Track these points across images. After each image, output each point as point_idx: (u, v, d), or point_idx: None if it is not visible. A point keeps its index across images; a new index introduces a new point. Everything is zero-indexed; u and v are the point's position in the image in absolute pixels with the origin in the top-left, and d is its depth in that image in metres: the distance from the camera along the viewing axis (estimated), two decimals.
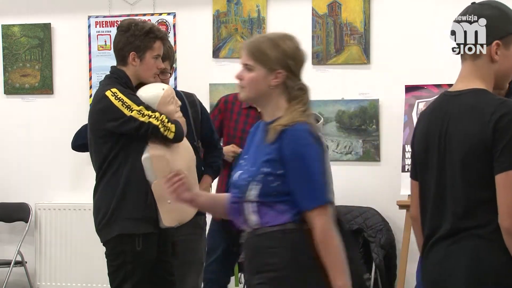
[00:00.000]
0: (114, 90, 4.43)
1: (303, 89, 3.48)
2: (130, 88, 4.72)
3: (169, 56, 5.07)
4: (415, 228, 3.41)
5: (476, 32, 3.23)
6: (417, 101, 6.84)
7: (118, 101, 4.47)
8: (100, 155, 4.57)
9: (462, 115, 3.16)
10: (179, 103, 4.69)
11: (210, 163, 5.37)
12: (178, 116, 4.61)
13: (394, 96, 7.05)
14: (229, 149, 5.67)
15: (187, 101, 5.28)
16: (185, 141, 4.72)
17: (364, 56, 7.21)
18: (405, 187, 6.11)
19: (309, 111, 3.48)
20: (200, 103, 5.46)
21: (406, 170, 6.59)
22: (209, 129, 5.41)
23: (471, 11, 3.23)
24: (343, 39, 7.26)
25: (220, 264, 5.77)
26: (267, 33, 4.59)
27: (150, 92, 4.53)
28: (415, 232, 3.43)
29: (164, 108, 4.42)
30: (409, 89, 6.86)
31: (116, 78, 4.75)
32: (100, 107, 4.71)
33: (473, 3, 3.26)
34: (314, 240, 3.38)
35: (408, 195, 6.05)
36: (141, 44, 4.68)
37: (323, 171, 3.40)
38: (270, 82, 3.44)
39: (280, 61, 3.45)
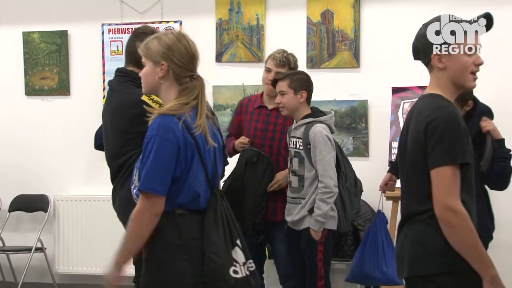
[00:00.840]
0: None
1: (193, 81, 3.48)
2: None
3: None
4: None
5: (419, 51, 3.37)
6: (402, 101, 6.85)
7: (156, 104, 4.33)
8: (123, 156, 4.45)
9: (415, 116, 3.30)
10: None
11: None
12: None
13: (382, 97, 7.04)
14: (239, 141, 5.57)
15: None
16: None
17: (354, 60, 7.22)
18: None
19: (193, 103, 3.43)
20: (212, 112, 5.35)
21: None
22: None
23: (416, 34, 3.40)
24: (335, 45, 7.26)
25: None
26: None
27: None
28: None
29: None
30: (395, 90, 6.87)
31: (132, 81, 4.64)
32: (138, 112, 4.37)
33: (424, 24, 3.38)
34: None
35: (397, 187, 6.19)
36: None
37: (159, 163, 3.32)
38: (158, 74, 3.46)
39: (161, 53, 3.47)
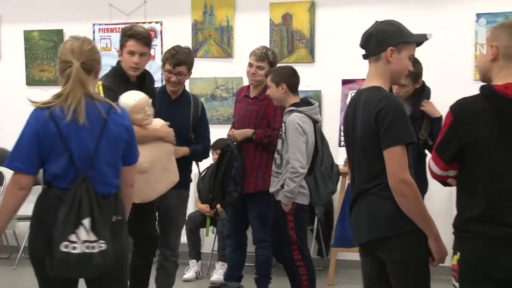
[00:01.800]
0: (100, 82, 4.18)
1: (67, 71, 3.29)
2: (124, 77, 4.64)
3: (185, 61, 4.97)
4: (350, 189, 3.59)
5: (375, 41, 3.36)
6: (350, 91, 6.84)
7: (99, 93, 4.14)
8: None
9: (362, 107, 3.32)
10: (149, 112, 4.43)
11: (193, 144, 5.16)
12: (146, 123, 4.40)
13: (333, 88, 7.13)
14: (228, 134, 5.65)
15: (193, 102, 5.20)
16: (159, 142, 4.54)
17: (310, 56, 7.29)
18: (340, 158, 6.14)
19: (66, 92, 3.27)
20: (202, 106, 5.31)
21: (341, 145, 6.67)
22: (203, 127, 5.25)
23: (374, 27, 3.40)
24: (294, 43, 7.32)
25: None
26: None
27: (124, 100, 4.25)
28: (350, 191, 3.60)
29: (132, 116, 4.03)
30: (345, 82, 6.98)
31: (115, 70, 4.71)
32: None
33: (376, 22, 3.43)
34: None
35: (343, 164, 6.13)
36: (120, 42, 4.67)
37: (20, 146, 3.27)
38: None
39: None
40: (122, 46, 4.64)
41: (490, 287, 3.02)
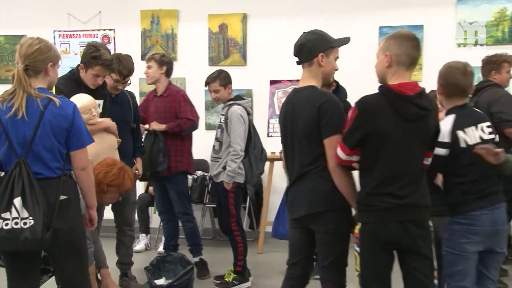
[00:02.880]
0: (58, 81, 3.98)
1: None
2: (78, 82, 4.62)
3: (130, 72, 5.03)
4: (287, 175, 3.59)
5: (307, 50, 3.43)
6: (276, 90, 7.04)
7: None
8: None
9: (302, 103, 3.38)
10: (95, 113, 4.39)
11: (138, 147, 5.29)
12: (92, 122, 4.30)
13: (262, 87, 7.22)
14: (146, 128, 5.65)
15: (129, 95, 5.25)
16: (104, 135, 4.47)
17: (243, 60, 7.36)
18: (269, 147, 6.17)
19: (9, 91, 3.27)
20: (135, 99, 5.41)
21: (269, 135, 6.80)
22: (137, 116, 5.34)
23: (303, 38, 3.47)
24: (229, 49, 7.38)
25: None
26: None
27: (73, 101, 3.99)
28: (288, 177, 3.59)
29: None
30: (272, 82, 7.10)
31: (72, 74, 4.68)
32: None
33: (304, 32, 3.50)
34: None
35: (271, 151, 6.38)
36: (88, 62, 4.58)
37: None
38: None
39: None
40: (88, 66, 4.59)
41: (382, 249, 3.17)
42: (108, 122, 4.58)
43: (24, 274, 3.43)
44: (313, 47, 3.40)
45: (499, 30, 6.68)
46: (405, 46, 3.22)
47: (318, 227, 3.36)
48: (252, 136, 5.43)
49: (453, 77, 3.48)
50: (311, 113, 3.31)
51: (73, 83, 4.62)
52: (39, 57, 3.30)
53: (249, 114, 5.45)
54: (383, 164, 3.18)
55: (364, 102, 3.21)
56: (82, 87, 4.61)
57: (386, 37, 3.34)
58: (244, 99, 5.49)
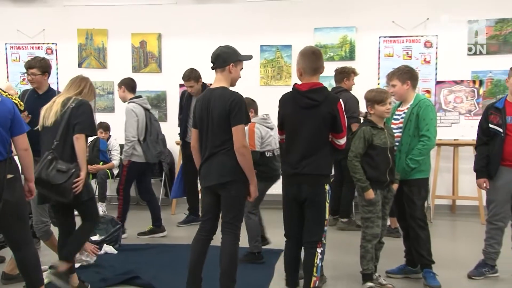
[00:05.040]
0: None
1: None
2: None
3: (35, 65, 4.29)
4: (194, 152, 3.51)
5: (222, 59, 3.36)
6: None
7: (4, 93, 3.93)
8: None
9: (217, 98, 3.32)
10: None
11: None
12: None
13: (173, 89, 7.27)
14: None
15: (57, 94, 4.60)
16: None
17: (159, 68, 7.37)
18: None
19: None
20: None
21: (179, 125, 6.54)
22: None
23: (220, 50, 3.40)
24: (148, 60, 7.38)
25: None
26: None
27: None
28: (194, 155, 3.51)
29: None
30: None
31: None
32: None
33: (220, 46, 3.44)
34: None
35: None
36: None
37: None
38: None
39: None
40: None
41: (291, 202, 3.41)
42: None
43: None
44: (227, 58, 3.37)
45: (343, 50, 6.98)
46: (306, 59, 3.38)
47: (224, 193, 3.35)
48: (148, 126, 5.35)
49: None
50: (224, 107, 3.27)
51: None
52: None
53: (146, 109, 5.38)
54: (288, 138, 3.40)
55: (282, 97, 3.46)
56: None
57: (298, 54, 3.47)
58: (139, 98, 5.41)
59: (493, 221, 4.12)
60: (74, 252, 3.72)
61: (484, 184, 4.12)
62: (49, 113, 3.64)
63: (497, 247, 4.15)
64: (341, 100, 3.40)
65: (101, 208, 6.61)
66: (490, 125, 4.08)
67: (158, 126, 5.65)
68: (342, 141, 3.40)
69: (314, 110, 3.31)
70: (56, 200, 3.59)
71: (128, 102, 5.41)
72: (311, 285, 3.35)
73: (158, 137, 5.57)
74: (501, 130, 4.04)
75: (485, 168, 4.10)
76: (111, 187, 6.87)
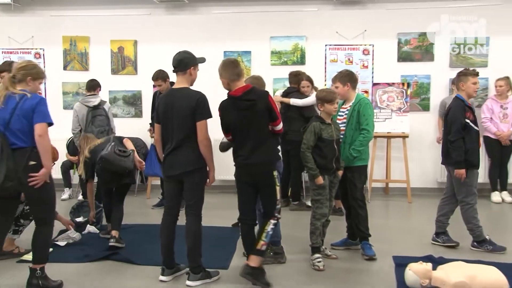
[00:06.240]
0: None
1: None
2: None
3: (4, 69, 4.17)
4: (158, 146, 3.46)
5: (183, 63, 3.34)
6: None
7: None
8: None
9: (181, 98, 3.30)
10: None
11: None
12: None
13: (148, 88, 7.02)
14: None
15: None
16: None
17: (135, 71, 7.21)
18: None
19: None
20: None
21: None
22: None
23: (182, 54, 3.36)
24: (125, 63, 7.23)
25: None
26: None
27: None
28: (158, 148, 3.46)
29: None
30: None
31: None
32: None
33: (180, 51, 3.39)
34: None
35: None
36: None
37: None
38: None
39: None
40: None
41: (244, 185, 3.39)
42: None
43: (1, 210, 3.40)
44: (188, 62, 3.35)
45: (295, 55, 6.91)
46: (228, 69, 3.36)
47: (188, 179, 3.34)
48: (87, 121, 5.52)
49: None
50: (190, 104, 3.25)
51: None
52: (23, 71, 3.27)
53: (89, 107, 5.50)
54: (235, 139, 3.39)
55: (222, 104, 3.40)
56: None
57: (219, 67, 3.41)
58: (84, 97, 5.59)
59: (475, 204, 4.06)
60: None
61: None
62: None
63: (479, 223, 4.11)
64: (270, 93, 3.42)
65: (68, 193, 6.53)
66: (467, 120, 3.98)
67: (106, 120, 5.68)
68: (279, 126, 3.41)
69: (252, 108, 3.30)
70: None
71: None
72: (258, 247, 3.34)
73: (112, 132, 5.64)
74: (476, 126, 4.03)
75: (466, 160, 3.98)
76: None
